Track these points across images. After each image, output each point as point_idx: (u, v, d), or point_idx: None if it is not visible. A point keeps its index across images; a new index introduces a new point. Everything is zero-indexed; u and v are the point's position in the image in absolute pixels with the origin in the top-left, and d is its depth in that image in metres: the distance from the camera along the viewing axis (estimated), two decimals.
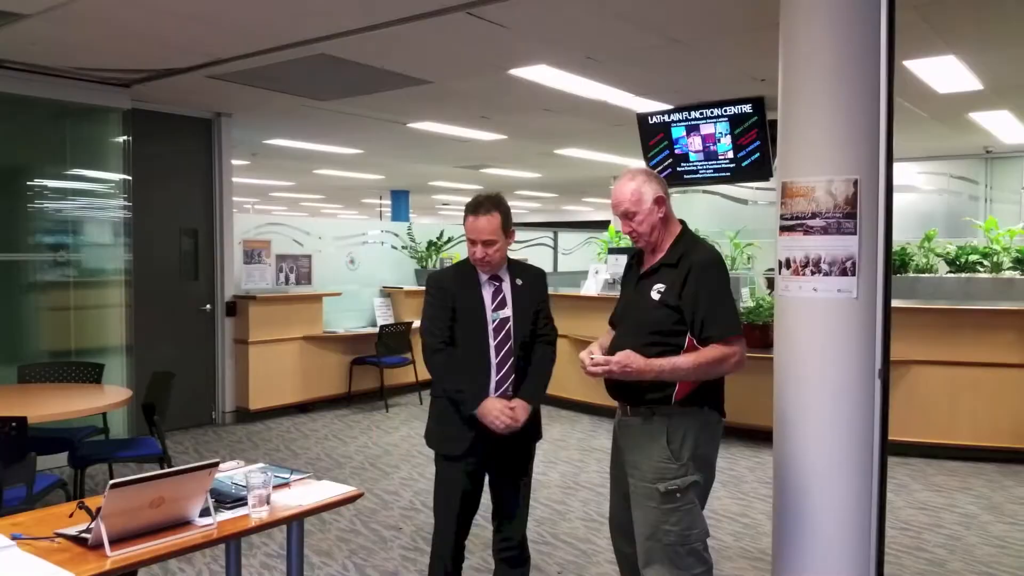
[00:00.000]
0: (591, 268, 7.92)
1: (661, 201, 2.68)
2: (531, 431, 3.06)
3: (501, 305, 3.00)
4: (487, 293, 3.00)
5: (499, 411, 2.87)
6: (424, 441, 3.16)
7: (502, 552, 3.11)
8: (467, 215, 2.94)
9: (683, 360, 2.54)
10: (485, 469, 3.05)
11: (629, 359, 2.52)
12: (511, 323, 2.99)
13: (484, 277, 3.02)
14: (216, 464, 2.22)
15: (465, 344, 2.97)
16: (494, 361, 2.96)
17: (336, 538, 4.38)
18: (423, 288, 9.06)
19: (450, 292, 3.00)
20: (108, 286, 6.31)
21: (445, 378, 2.98)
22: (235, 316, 7.35)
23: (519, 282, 3.05)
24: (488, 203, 2.93)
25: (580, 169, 11.79)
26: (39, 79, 5.68)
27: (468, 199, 3.01)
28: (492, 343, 2.96)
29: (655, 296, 2.63)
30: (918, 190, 10.59)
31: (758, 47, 4.89)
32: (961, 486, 5.29)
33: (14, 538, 2.05)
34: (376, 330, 8.03)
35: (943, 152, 9.95)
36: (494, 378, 2.96)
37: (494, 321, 2.98)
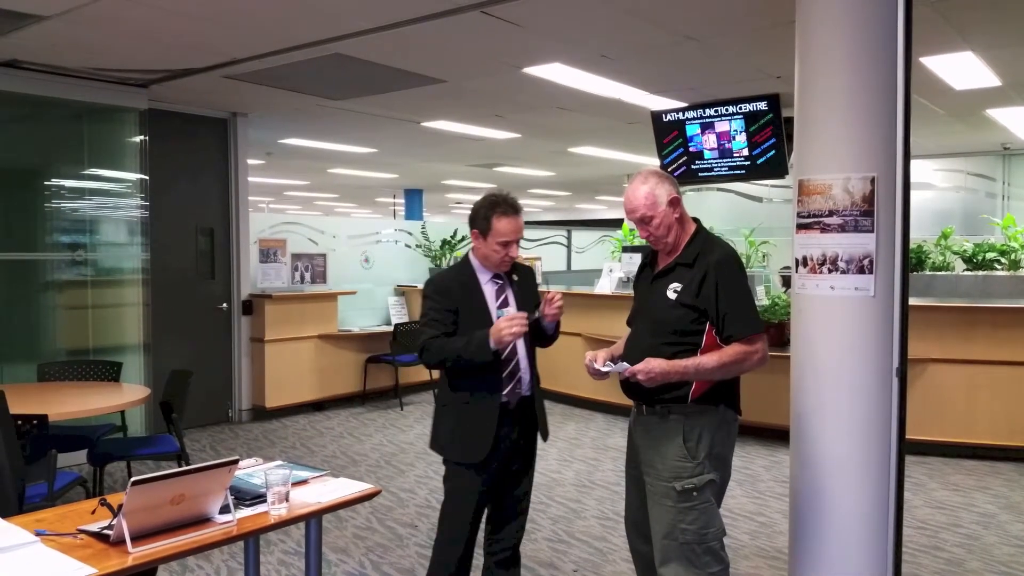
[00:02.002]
0: (605, 266, 7.91)
1: (676, 202, 2.66)
2: (541, 427, 3.04)
3: (504, 303, 2.97)
4: (490, 292, 2.97)
5: (506, 322, 2.75)
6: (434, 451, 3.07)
7: (497, 554, 3.04)
8: (505, 214, 2.86)
9: (707, 359, 2.54)
10: (503, 469, 2.99)
11: (651, 365, 2.51)
12: None
13: (485, 277, 2.98)
14: (236, 461, 2.23)
15: None
16: (503, 357, 2.90)
17: (353, 535, 4.40)
18: None
19: (453, 295, 2.93)
20: (125, 285, 6.37)
21: (449, 349, 2.84)
22: (251, 315, 7.40)
23: (515, 278, 3.04)
24: (516, 201, 2.93)
25: (594, 167, 11.77)
26: (57, 80, 5.73)
27: (481, 197, 2.96)
28: None
29: (671, 295, 2.63)
30: (935, 187, 10.51)
31: (774, 44, 4.87)
32: (979, 485, 5.25)
33: (38, 534, 2.08)
34: (391, 328, 8.07)
35: (960, 149, 9.87)
36: (502, 375, 2.91)
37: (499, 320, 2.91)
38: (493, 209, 2.88)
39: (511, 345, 2.90)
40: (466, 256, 3.05)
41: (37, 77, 5.63)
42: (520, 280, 3.04)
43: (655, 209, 2.64)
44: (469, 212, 2.99)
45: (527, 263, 3.17)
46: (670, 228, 2.67)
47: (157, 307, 6.51)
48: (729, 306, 2.55)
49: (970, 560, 4.04)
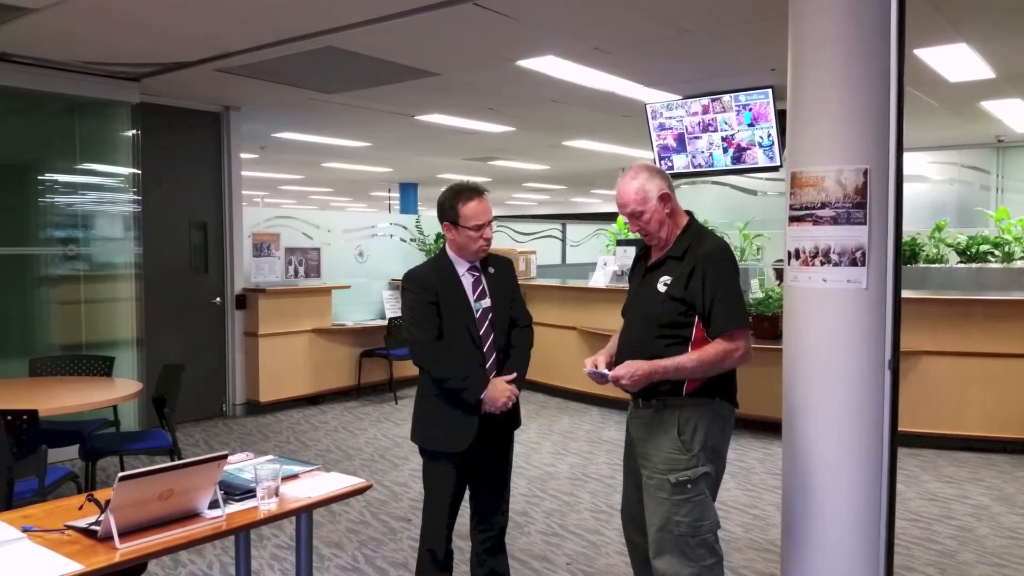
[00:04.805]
0: (599, 260, 7.90)
1: (667, 197, 2.66)
2: (514, 418, 3.08)
3: (482, 295, 2.99)
4: (468, 284, 2.98)
5: (503, 392, 2.89)
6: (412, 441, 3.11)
7: (485, 543, 3.11)
8: (469, 199, 2.88)
9: (686, 359, 2.53)
10: (473, 460, 3.03)
11: (632, 368, 2.52)
12: (492, 312, 2.99)
13: (463, 269, 2.99)
14: (225, 456, 2.22)
15: (454, 337, 2.92)
16: (484, 349, 2.96)
17: (346, 529, 4.39)
18: None
19: (432, 288, 2.93)
20: (118, 279, 6.34)
21: (444, 370, 2.90)
22: (245, 309, 7.38)
23: (491, 270, 3.05)
24: (479, 185, 2.96)
25: (588, 161, 11.76)
26: (49, 74, 5.69)
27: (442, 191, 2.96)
28: (480, 333, 2.95)
29: (661, 288, 2.63)
30: (929, 180, 10.52)
31: (768, 36, 4.86)
32: (972, 477, 5.26)
33: (25, 530, 2.06)
34: (385, 323, 8.06)
35: (954, 141, 9.87)
36: (486, 367, 2.97)
37: (478, 311, 2.96)
38: (457, 197, 2.90)
39: (491, 337, 2.97)
40: (443, 249, 3.06)
41: (27, 71, 5.59)
42: (496, 272, 3.06)
43: (645, 204, 2.64)
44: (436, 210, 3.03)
45: (521, 255, 3.19)
46: (661, 224, 2.66)
47: (150, 301, 6.48)
48: (714, 300, 2.54)
49: (963, 552, 4.05)
